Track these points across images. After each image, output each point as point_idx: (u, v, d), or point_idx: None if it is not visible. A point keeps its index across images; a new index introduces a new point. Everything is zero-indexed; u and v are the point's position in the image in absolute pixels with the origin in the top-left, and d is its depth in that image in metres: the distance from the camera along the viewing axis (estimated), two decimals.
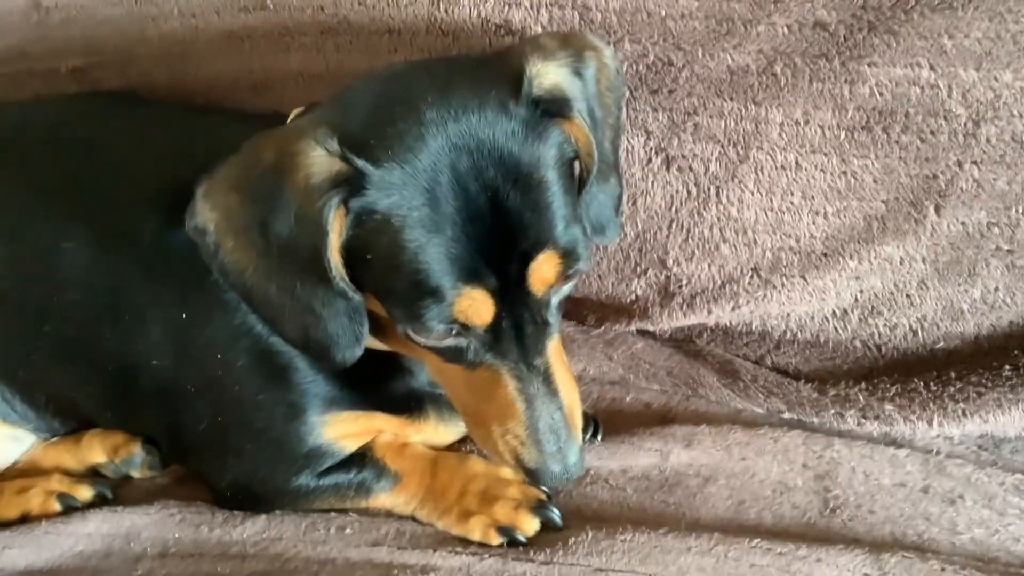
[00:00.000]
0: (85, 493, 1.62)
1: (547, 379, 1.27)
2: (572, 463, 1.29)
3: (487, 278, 1.18)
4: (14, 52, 1.83)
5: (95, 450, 1.66)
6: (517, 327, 1.23)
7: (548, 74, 1.24)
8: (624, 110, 1.42)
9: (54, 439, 1.70)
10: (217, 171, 1.24)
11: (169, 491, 1.65)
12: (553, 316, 1.28)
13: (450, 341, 1.24)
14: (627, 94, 1.50)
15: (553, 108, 1.23)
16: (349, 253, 1.19)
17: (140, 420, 1.61)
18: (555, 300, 1.27)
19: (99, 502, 1.63)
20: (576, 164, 1.29)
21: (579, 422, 1.32)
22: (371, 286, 1.23)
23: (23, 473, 1.68)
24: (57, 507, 1.60)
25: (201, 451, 1.55)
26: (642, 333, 1.77)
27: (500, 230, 1.17)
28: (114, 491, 1.66)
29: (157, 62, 1.76)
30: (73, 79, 1.82)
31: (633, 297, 1.70)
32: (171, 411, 1.54)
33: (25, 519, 1.59)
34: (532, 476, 1.30)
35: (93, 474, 1.68)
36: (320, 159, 1.15)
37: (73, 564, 1.53)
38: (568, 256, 1.22)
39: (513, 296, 1.20)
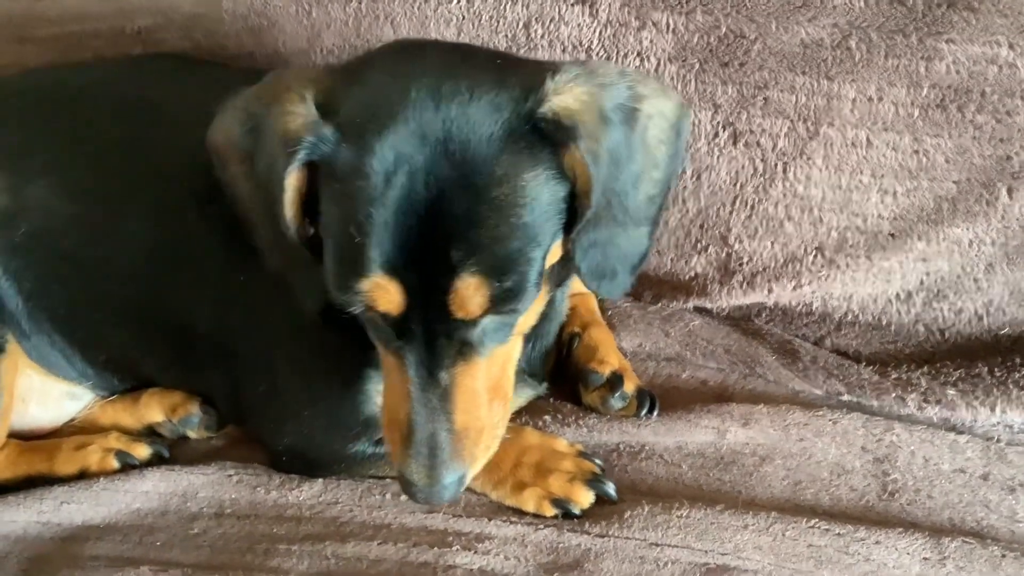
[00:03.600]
0: (143, 451, 1.64)
1: (445, 396, 1.20)
2: (442, 484, 1.22)
3: (405, 274, 1.12)
4: (78, 12, 1.84)
5: (153, 409, 1.68)
6: (428, 333, 1.17)
7: (566, 95, 1.14)
8: (679, 170, 1.30)
9: (112, 397, 1.72)
10: (236, 96, 1.24)
11: (225, 452, 1.66)
12: (479, 339, 1.21)
13: (369, 314, 1.19)
14: (686, 156, 1.44)
15: (552, 131, 1.14)
16: (312, 205, 1.18)
17: (199, 380, 1.63)
18: (485, 323, 1.19)
19: (156, 461, 1.65)
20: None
21: (473, 451, 1.25)
22: (322, 236, 1.20)
23: (81, 430, 1.71)
24: (115, 464, 1.62)
25: (259, 414, 1.57)
26: (699, 311, 1.76)
27: (435, 232, 1.11)
28: (171, 451, 1.67)
29: (223, 25, 1.76)
30: (137, 40, 1.83)
31: (692, 274, 1.69)
32: (230, 373, 1.56)
33: (83, 475, 1.61)
34: (401, 484, 1.25)
35: (150, 433, 1.69)
36: (296, 116, 1.14)
37: (129, 521, 1.55)
38: (502, 286, 1.13)
39: (430, 303, 1.14)
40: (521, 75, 1.17)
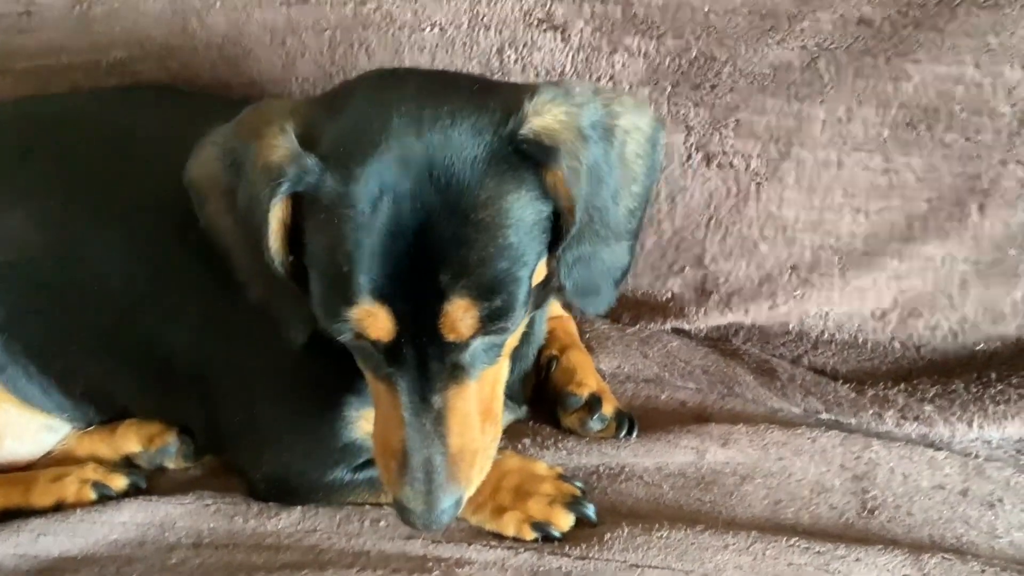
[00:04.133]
0: (120, 482, 1.62)
1: (438, 420, 1.20)
2: (440, 509, 1.22)
3: (395, 300, 1.12)
4: (55, 45, 1.84)
5: (130, 439, 1.66)
6: (420, 358, 1.17)
7: (545, 116, 1.15)
8: (656, 183, 1.33)
9: (89, 428, 1.70)
10: (214, 132, 1.25)
11: (203, 482, 1.64)
12: (469, 361, 1.21)
13: (358, 343, 1.20)
14: (662, 166, 1.41)
15: (534, 152, 1.15)
16: (296, 237, 1.18)
17: (177, 409, 1.61)
18: (475, 345, 1.19)
19: (133, 492, 1.62)
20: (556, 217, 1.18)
21: (468, 474, 1.25)
22: (308, 267, 1.20)
23: (57, 463, 1.68)
24: (92, 495, 1.60)
25: (237, 442, 1.55)
26: (677, 332, 1.76)
27: (423, 257, 1.11)
28: (148, 482, 1.66)
29: (198, 55, 1.76)
30: (113, 72, 1.83)
31: (669, 295, 1.70)
32: (208, 400, 1.55)
33: (59, 507, 1.59)
34: (398, 510, 1.24)
35: (127, 464, 1.67)
36: (278, 148, 1.14)
37: (107, 552, 1.53)
38: (491, 306, 1.13)
39: (421, 328, 1.14)
40: (500, 98, 1.18)
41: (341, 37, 1.65)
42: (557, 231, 1.19)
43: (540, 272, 1.21)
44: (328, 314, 1.16)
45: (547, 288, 1.33)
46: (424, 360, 1.17)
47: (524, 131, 1.14)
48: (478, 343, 1.19)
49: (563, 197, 1.16)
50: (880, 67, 1.43)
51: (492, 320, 1.14)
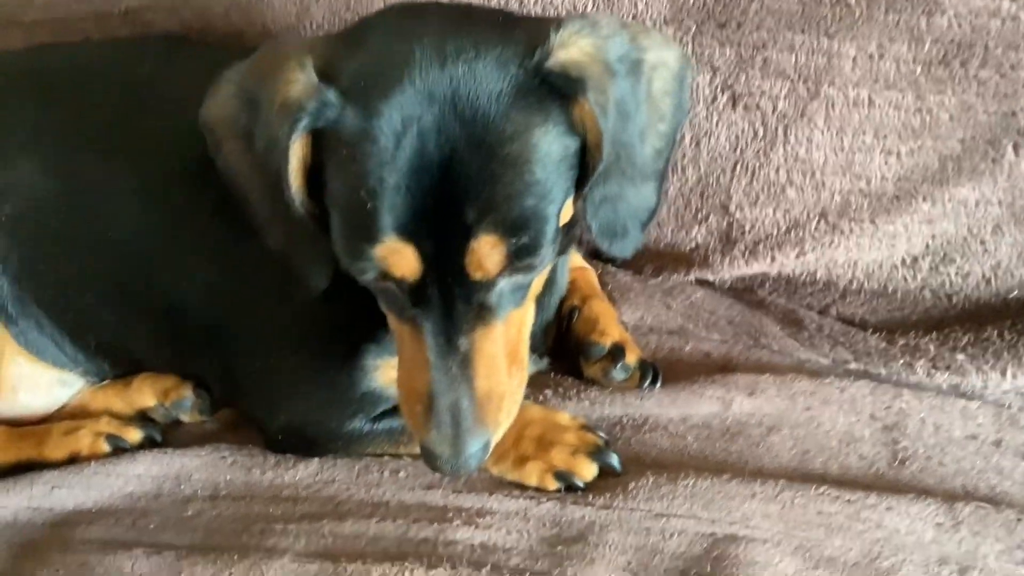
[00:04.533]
0: (134, 435, 1.61)
1: (465, 362, 1.17)
2: (468, 454, 1.19)
3: (419, 236, 1.09)
4: None
5: (145, 393, 1.65)
6: (445, 298, 1.14)
7: (571, 48, 1.13)
8: (684, 122, 1.29)
9: (103, 383, 1.69)
10: (229, 71, 1.22)
11: (220, 435, 1.63)
12: (496, 301, 1.18)
13: (382, 285, 1.17)
14: (690, 106, 1.38)
15: (561, 84, 1.13)
16: (315, 177, 1.15)
17: (193, 362, 1.59)
18: (502, 285, 1.17)
19: (148, 445, 1.61)
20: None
21: (496, 417, 1.21)
22: (328, 208, 1.17)
23: (71, 417, 1.67)
24: (106, 448, 1.58)
25: (254, 393, 1.53)
26: (701, 283, 1.72)
27: (448, 193, 1.08)
28: (164, 436, 1.64)
29: (212, 3, 1.73)
30: (125, 21, 1.80)
31: (693, 245, 1.66)
32: (225, 351, 1.53)
33: (73, 460, 1.58)
34: (424, 455, 1.21)
35: (142, 418, 1.65)
36: (296, 83, 1.11)
37: (122, 504, 1.51)
38: (518, 243, 1.11)
39: (447, 266, 1.12)
40: (524, 31, 1.16)
41: None
42: (583, 169, 1.16)
43: (567, 211, 1.18)
44: (351, 254, 1.13)
45: (573, 231, 1.30)
46: (450, 300, 1.14)
47: (550, 63, 1.11)
48: (505, 283, 1.16)
49: (590, 131, 1.13)
50: (913, 0, 1.39)
51: (519, 257, 1.11)
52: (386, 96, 1.09)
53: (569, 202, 1.18)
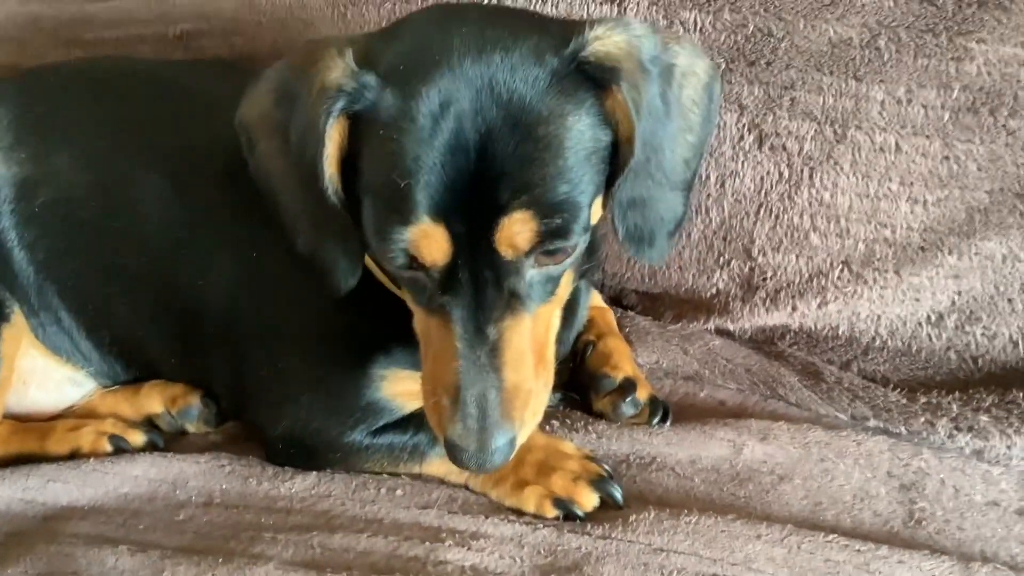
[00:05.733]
0: (137, 438, 1.60)
1: (494, 352, 1.16)
2: (493, 448, 1.17)
3: (452, 218, 1.10)
4: (124, 15, 1.89)
5: (153, 399, 1.65)
6: (475, 284, 1.14)
7: (607, 41, 1.16)
8: (711, 135, 1.33)
9: (113, 387, 1.69)
10: (268, 71, 1.25)
11: (222, 447, 1.61)
12: (526, 290, 1.18)
13: (411, 274, 1.17)
14: (716, 119, 1.41)
15: (595, 74, 1.15)
16: (347, 164, 1.17)
17: (203, 365, 1.59)
18: (532, 274, 1.17)
19: (150, 450, 1.60)
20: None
21: (523, 414, 1.20)
22: (361, 196, 1.18)
23: (78, 418, 1.66)
24: (108, 447, 1.58)
25: (258, 399, 1.52)
26: (720, 333, 1.70)
27: (483, 174, 1.10)
28: (167, 445, 1.63)
29: (263, 30, 1.79)
30: (179, 44, 1.87)
31: (714, 291, 1.64)
32: (233, 355, 1.53)
33: (74, 456, 1.57)
34: (449, 450, 1.19)
35: (148, 425, 1.65)
36: (335, 69, 1.14)
37: (115, 504, 1.49)
38: (549, 224, 1.11)
39: (478, 249, 1.12)
40: (559, 25, 1.21)
41: (400, 10, 1.66)
42: (614, 171, 1.19)
43: (596, 210, 1.19)
44: (382, 238, 1.13)
45: (597, 254, 1.34)
46: (480, 286, 1.15)
47: (586, 52, 1.15)
48: (535, 273, 1.17)
49: (622, 124, 1.16)
50: (942, 46, 1.39)
51: (551, 236, 1.12)
52: (425, 79, 1.12)
53: (599, 201, 1.19)
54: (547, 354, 1.26)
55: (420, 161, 1.09)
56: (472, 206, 1.10)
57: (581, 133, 1.13)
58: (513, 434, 1.18)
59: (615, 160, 1.18)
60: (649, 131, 1.16)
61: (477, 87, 1.11)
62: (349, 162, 1.17)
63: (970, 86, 1.41)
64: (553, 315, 1.28)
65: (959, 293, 1.52)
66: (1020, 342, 1.52)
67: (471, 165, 1.09)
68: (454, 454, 1.18)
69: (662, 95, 1.18)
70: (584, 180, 1.13)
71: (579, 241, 1.16)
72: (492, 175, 1.09)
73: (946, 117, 1.43)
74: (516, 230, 1.10)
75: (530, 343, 1.20)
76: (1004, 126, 1.41)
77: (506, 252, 1.12)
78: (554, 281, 1.21)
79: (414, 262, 1.14)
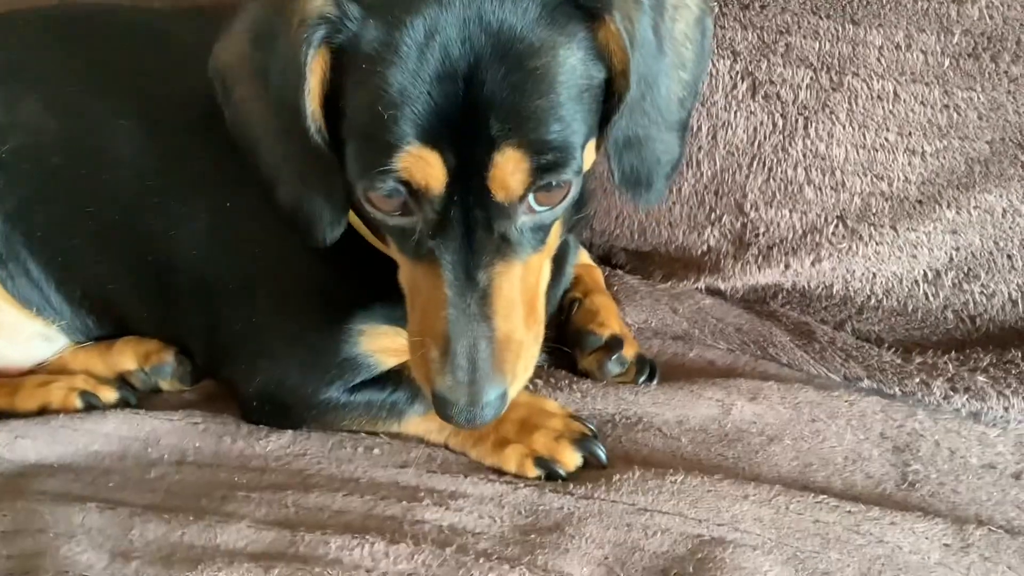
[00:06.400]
0: (109, 395, 1.56)
1: (484, 300, 1.13)
2: (484, 402, 1.13)
3: (443, 146, 1.06)
4: None
5: (126, 356, 1.60)
6: (467, 223, 1.10)
7: None
8: (705, 74, 1.30)
9: (85, 343, 1.64)
10: (242, 13, 1.19)
11: (196, 405, 1.56)
12: (517, 236, 1.13)
13: (399, 220, 1.13)
14: (709, 57, 1.35)
15: (587, 2, 1.10)
16: (330, 105, 1.12)
17: (175, 321, 1.54)
18: (524, 220, 1.13)
19: (122, 407, 1.55)
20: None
21: (514, 366, 1.16)
22: (344, 138, 1.14)
23: (49, 374, 1.61)
24: (78, 404, 1.53)
25: (233, 355, 1.48)
26: (711, 292, 1.65)
27: (472, 104, 1.06)
28: (140, 402, 1.58)
29: None
30: None
31: (705, 248, 1.60)
32: (208, 309, 1.48)
33: (43, 412, 1.52)
34: (437, 405, 1.15)
35: (121, 382, 1.59)
36: (316, 2, 1.09)
37: (85, 463, 1.46)
38: (541, 160, 1.08)
39: (470, 184, 1.08)
40: None
41: None
42: (605, 116, 1.15)
43: (589, 153, 1.16)
44: (370, 170, 1.09)
45: (586, 209, 1.30)
46: (471, 228, 1.11)
47: None
48: (526, 219, 1.12)
49: (615, 56, 1.12)
50: None
51: (543, 171, 1.07)
52: (408, 9, 1.07)
53: (591, 146, 1.15)
54: (538, 306, 1.23)
55: (407, 92, 1.05)
56: (463, 137, 1.06)
57: (573, 68, 1.09)
58: (504, 388, 1.15)
59: (607, 103, 1.14)
60: (643, 65, 1.12)
61: (464, 17, 1.06)
62: (331, 104, 1.12)
63: (971, 30, 1.36)
64: (543, 266, 1.24)
65: (957, 249, 1.48)
66: (1019, 300, 1.48)
67: (459, 94, 1.06)
68: (442, 408, 1.14)
69: (654, 28, 1.13)
70: (577, 119, 1.09)
71: (572, 182, 1.11)
72: (482, 105, 1.05)
73: (946, 63, 1.38)
74: (509, 170, 1.07)
75: (520, 293, 1.17)
76: (1006, 72, 1.36)
77: (498, 193, 1.08)
78: (545, 230, 1.17)
79: (404, 204, 1.10)
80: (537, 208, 1.12)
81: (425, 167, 1.07)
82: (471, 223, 1.10)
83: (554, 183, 1.10)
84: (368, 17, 1.08)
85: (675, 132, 1.22)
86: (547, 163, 1.07)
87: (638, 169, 1.20)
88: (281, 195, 1.22)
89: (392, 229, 1.17)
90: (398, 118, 1.05)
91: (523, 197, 1.10)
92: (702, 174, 1.54)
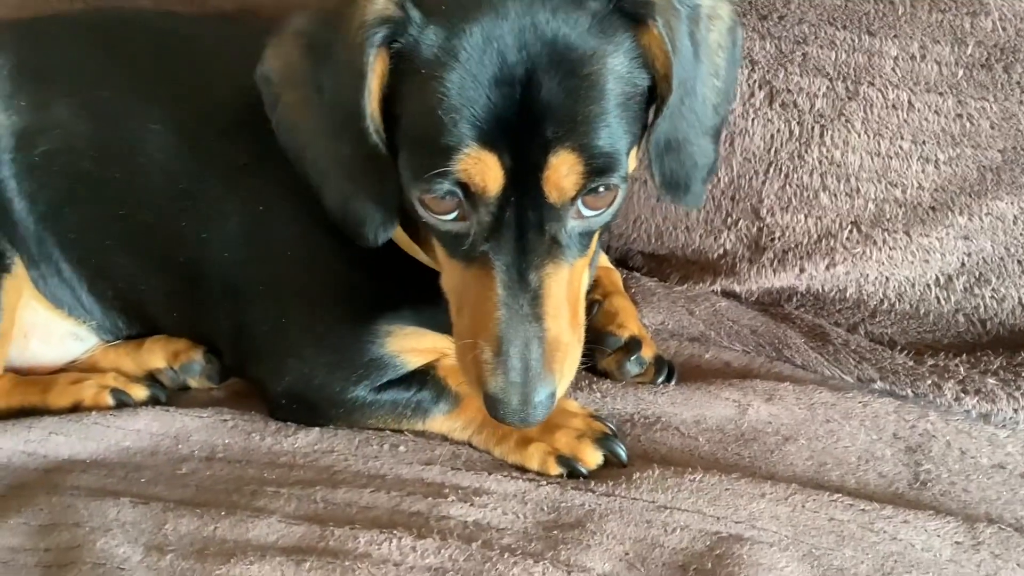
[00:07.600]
0: (140, 392, 1.59)
1: (535, 300, 1.16)
2: (536, 402, 1.16)
3: (500, 148, 1.11)
4: None
5: (156, 354, 1.64)
6: (520, 225, 1.14)
7: None
8: (735, 82, 1.34)
9: (115, 342, 1.68)
10: (291, 22, 1.23)
11: (224, 402, 1.60)
12: (566, 239, 1.18)
13: (452, 225, 1.17)
14: (739, 65, 1.39)
15: (631, 8, 1.16)
16: (387, 108, 1.16)
17: (204, 321, 1.58)
18: (573, 224, 1.17)
19: (152, 405, 1.58)
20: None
21: (563, 366, 1.20)
22: (399, 144, 1.18)
23: (81, 372, 1.65)
24: (110, 401, 1.57)
25: (261, 354, 1.51)
26: (727, 294, 1.69)
27: (528, 109, 1.10)
28: (169, 400, 1.62)
29: None
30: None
31: (721, 251, 1.63)
32: (237, 310, 1.52)
33: (76, 409, 1.56)
34: (489, 405, 1.18)
35: (151, 380, 1.63)
36: (375, 4, 1.13)
37: (117, 458, 1.49)
38: (593, 164, 1.12)
39: (525, 186, 1.13)
40: None
41: None
42: (645, 125, 1.20)
43: (632, 161, 1.20)
44: (427, 172, 1.12)
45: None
46: (523, 231, 1.15)
47: None
48: (576, 223, 1.17)
49: (659, 60, 1.17)
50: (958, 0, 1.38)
51: (594, 175, 1.12)
52: (466, 16, 1.12)
53: (634, 153, 1.20)
54: (579, 309, 1.26)
55: (466, 95, 1.10)
56: (519, 140, 1.11)
57: (620, 76, 1.15)
58: (554, 387, 1.18)
59: (647, 111, 1.19)
60: (683, 70, 1.17)
61: (520, 26, 1.11)
62: (386, 109, 1.16)
63: (984, 41, 1.39)
64: (585, 271, 1.28)
65: (968, 255, 1.51)
66: None
67: (516, 98, 1.10)
68: (495, 409, 1.18)
69: (691, 35, 1.19)
70: (623, 125, 1.15)
71: (620, 187, 1.16)
72: (538, 109, 1.10)
73: (960, 74, 1.41)
74: (563, 172, 1.11)
75: (567, 295, 1.20)
76: (1018, 83, 1.40)
77: (552, 194, 1.13)
78: (590, 235, 1.22)
79: (458, 206, 1.14)
80: (585, 213, 1.17)
81: (484, 169, 1.11)
82: (524, 225, 1.14)
83: (602, 187, 1.14)
84: (428, 22, 1.13)
85: (710, 137, 1.27)
86: (598, 167, 1.12)
87: (677, 172, 1.25)
88: (329, 198, 1.26)
89: (443, 234, 1.20)
90: (457, 121, 1.10)
91: (574, 200, 1.14)
92: (719, 179, 1.58)
